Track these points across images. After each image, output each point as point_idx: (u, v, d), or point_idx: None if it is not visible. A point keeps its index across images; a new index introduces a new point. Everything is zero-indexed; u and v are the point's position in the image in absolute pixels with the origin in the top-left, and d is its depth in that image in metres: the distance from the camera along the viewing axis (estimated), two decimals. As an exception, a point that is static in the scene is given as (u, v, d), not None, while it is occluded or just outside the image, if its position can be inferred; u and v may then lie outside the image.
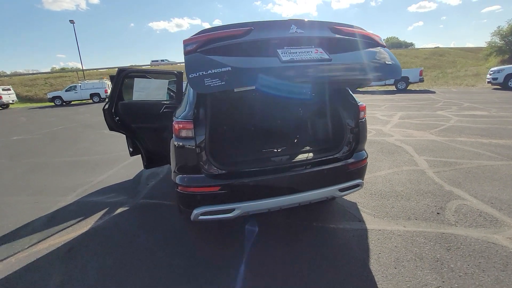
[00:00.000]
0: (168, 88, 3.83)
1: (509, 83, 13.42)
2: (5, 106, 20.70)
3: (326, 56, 1.74)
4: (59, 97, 20.97)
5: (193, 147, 1.84)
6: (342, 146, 2.22)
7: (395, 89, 17.62)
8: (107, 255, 2.24)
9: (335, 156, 2.16)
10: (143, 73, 3.32)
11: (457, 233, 2.27)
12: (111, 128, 3.22)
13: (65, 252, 2.31)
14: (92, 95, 21.00)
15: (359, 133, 2.24)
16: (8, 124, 11.35)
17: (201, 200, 1.91)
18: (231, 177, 1.92)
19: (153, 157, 3.46)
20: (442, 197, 2.89)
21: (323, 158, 2.13)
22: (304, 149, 2.55)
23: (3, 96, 19.98)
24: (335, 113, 2.48)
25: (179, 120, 1.91)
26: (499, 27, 28.50)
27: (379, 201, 2.89)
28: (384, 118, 7.70)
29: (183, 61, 1.68)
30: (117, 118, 3.11)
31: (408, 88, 17.50)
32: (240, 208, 1.92)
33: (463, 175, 3.43)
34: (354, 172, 2.19)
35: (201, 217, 1.93)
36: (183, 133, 1.87)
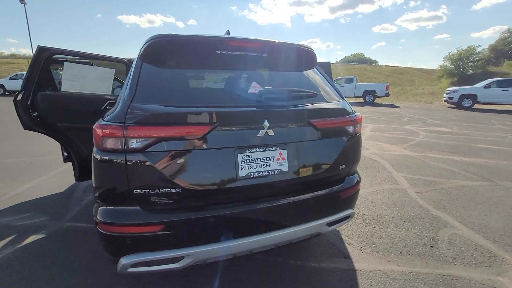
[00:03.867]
0: (116, 79, 3.08)
1: (463, 103, 14.56)
2: None
3: (285, 168, 1.48)
4: (1, 86, 18.39)
5: (123, 164, 1.20)
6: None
7: (363, 102, 18.24)
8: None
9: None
10: (79, 58, 2.54)
11: (458, 274, 1.90)
12: (26, 127, 2.39)
13: None
14: (41, 86, 18.71)
15: (353, 151, 1.76)
16: None
17: (133, 245, 1.26)
18: (180, 210, 1.30)
19: (88, 166, 2.68)
20: (431, 224, 2.57)
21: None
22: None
23: None
24: None
25: (104, 123, 1.26)
26: (450, 53, 31.63)
27: (364, 229, 2.47)
28: (357, 130, 7.58)
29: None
30: (36, 113, 2.30)
31: (374, 101, 18.23)
32: (193, 255, 1.31)
33: (445, 196, 3.20)
34: (346, 200, 1.71)
35: (131, 269, 1.28)
36: (109, 143, 1.22)
